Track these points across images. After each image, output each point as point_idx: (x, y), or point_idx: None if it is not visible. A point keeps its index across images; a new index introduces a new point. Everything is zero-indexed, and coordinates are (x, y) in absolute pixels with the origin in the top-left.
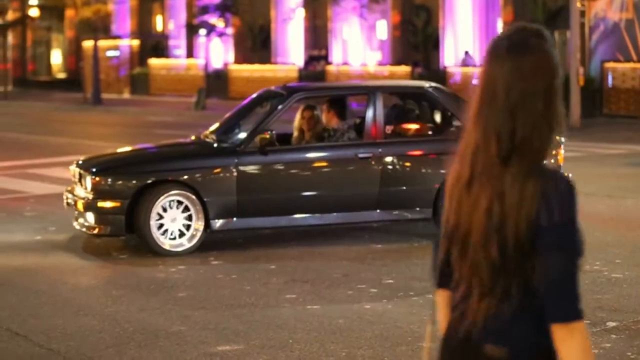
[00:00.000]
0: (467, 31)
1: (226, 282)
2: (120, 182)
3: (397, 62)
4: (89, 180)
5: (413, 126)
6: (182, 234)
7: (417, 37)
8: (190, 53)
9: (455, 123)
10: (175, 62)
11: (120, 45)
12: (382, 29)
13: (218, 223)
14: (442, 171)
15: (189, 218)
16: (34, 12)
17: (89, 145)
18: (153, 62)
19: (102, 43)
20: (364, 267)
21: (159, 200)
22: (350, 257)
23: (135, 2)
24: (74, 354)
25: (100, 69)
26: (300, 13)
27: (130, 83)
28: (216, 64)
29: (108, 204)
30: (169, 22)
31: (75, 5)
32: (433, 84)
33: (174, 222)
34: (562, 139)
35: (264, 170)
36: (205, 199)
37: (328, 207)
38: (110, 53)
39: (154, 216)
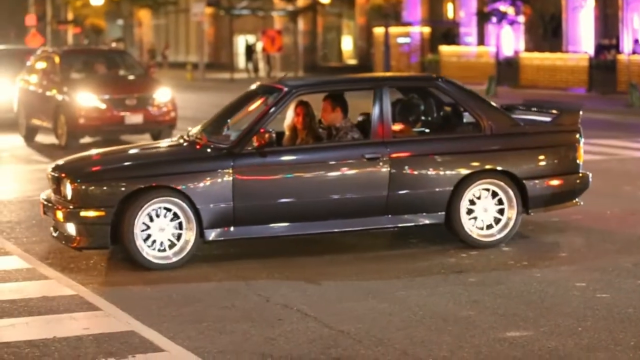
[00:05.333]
0: None
1: (516, 269)
2: (105, 188)
3: None
4: (69, 187)
5: (422, 124)
6: (172, 245)
7: None
8: (481, 40)
9: (467, 119)
10: (466, 49)
11: (411, 32)
12: None
13: (213, 233)
14: (455, 172)
15: (180, 227)
16: None
17: None
18: (444, 49)
19: (393, 30)
20: None
21: (144, 207)
22: None
23: None
24: (363, 336)
25: (391, 56)
26: (591, 2)
27: (421, 70)
28: (507, 51)
29: (91, 213)
30: (460, 10)
31: None
32: (444, 77)
33: (162, 231)
34: (582, 137)
35: (264, 173)
36: (198, 207)
37: (334, 213)
38: (400, 40)
39: (139, 225)
